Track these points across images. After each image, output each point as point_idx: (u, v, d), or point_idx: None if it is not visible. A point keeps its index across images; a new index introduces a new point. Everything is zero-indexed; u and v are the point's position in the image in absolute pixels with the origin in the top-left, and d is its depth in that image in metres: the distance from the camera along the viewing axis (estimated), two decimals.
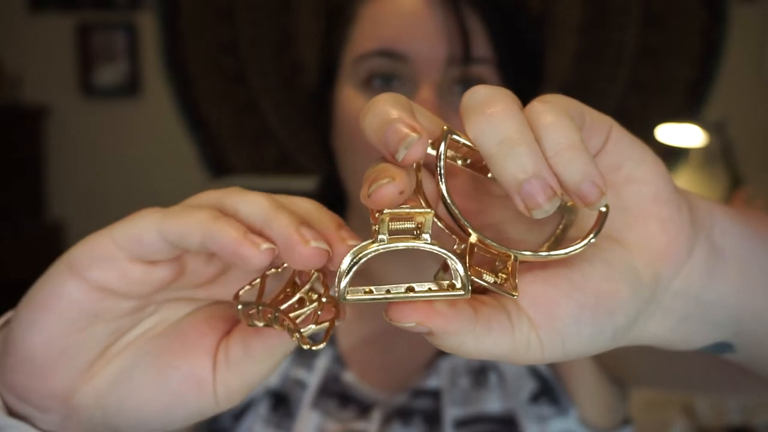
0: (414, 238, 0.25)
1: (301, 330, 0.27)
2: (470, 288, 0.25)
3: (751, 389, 0.47)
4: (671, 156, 2.54)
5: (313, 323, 0.28)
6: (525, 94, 0.64)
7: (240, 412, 0.62)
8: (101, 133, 2.66)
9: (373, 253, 0.25)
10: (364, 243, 0.25)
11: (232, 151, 2.63)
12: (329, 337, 0.28)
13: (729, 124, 2.41)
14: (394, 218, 0.25)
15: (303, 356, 0.63)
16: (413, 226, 0.25)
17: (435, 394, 0.60)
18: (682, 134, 2.35)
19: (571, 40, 2.52)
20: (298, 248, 0.25)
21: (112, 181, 2.67)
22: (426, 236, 0.25)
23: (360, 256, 0.25)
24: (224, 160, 2.63)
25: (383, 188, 0.24)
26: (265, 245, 0.26)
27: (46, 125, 2.66)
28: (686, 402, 1.70)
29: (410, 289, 0.25)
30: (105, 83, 2.62)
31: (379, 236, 0.25)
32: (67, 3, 2.60)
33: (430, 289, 0.25)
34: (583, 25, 2.51)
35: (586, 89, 2.54)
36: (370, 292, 0.25)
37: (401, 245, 0.25)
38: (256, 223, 0.27)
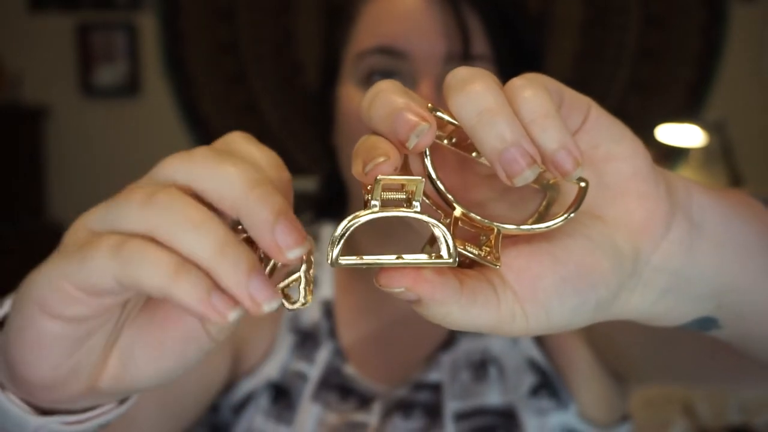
0: (405, 208, 0.26)
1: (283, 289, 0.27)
2: (456, 257, 0.26)
3: (752, 380, 0.47)
4: (671, 156, 2.54)
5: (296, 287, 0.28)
6: None
7: (240, 405, 0.62)
8: (101, 133, 2.66)
9: (365, 219, 0.26)
10: (357, 212, 0.26)
11: None
12: (311, 294, 0.28)
13: (729, 123, 2.41)
14: (387, 187, 0.26)
15: (303, 349, 0.63)
16: (404, 197, 0.26)
17: (436, 388, 0.60)
18: (682, 134, 2.35)
19: (571, 40, 2.52)
20: (279, 255, 0.25)
21: (112, 181, 2.67)
22: (416, 204, 0.26)
23: (353, 221, 0.26)
24: None
25: (379, 166, 0.25)
26: (233, 314, 0.25)
27: (46, 125, 2.66)
28: (686, 401, 1.70)
29: (399, 258, 0.26)
30: (105, 83, 2.62)
31: (372, 202, 0.26)
32: (67, 3, 2.60)
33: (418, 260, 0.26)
34: (583, 25, 2.51)
35: (586, 89, 2.54)
36: (361, 258, 0.26)
37: (392, 213, 0.26)
38: (228, 210, 0.26)
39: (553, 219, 0.27)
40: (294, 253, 0.25)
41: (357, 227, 0.26)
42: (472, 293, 0.27)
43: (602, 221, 0.29)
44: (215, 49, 2.59)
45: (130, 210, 0.27)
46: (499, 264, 0.27)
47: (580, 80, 2.53)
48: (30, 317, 0.27)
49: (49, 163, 2.68)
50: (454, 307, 0.26)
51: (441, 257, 0.26)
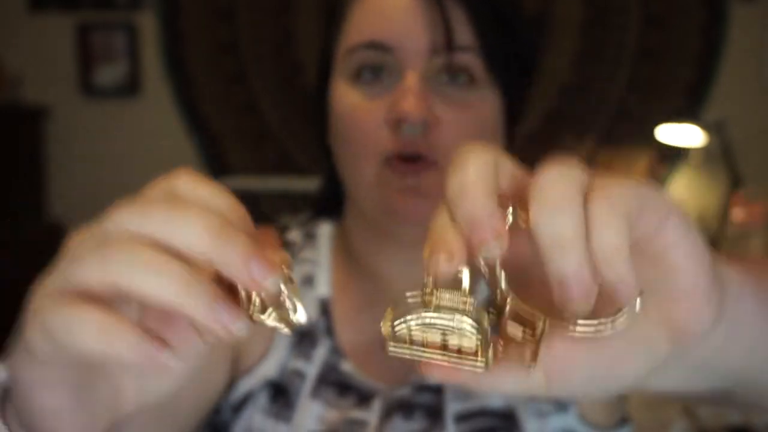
0: (457, 310, 0.28)
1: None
2: (491, 364, 0.28)
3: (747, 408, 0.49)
4: (671, 156, 2.54)
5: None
6: (516, 83, 0.63)
7: (239, 405, 0.62)
8: (101, 133, 2.66)
9: (415, 324, 0.29)
10: (411, 302, 0.29)
11: (231, 151, 2.63)
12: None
13: (729, 124, 2.41)
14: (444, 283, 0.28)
15: (301, 347, 0.63)
16: (459, 297, 0.29)
17: (437, 390, 0.61)
18: (682, 134, 2.35)
19: (571, 40, 2.52)
20: (258, 288, 0.28)
21: (111, 181, 2.68)
22: (468, 321, 0.28)
23: (402, 323, 0.29)
24: (224, 160, 2.63)
25: (440, 265, 0.28)
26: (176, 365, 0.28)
27: (46, 125, 2.66)
28: (686, 402, 1.70)
29: (444, 346, 0.28)
30: (105, 83, 2.62)
31: (425, 310, 0.29)
32: (67, 3, 2.60)
33: (460, 350, 0.28)
34: (583, 25, 2.51)
35: (586, 89, 2.54)
36: (410, 348, 0.29)
37: (444, 323, 0.28)
38: (198, 257, 0.28)
39: (602, 323, 0.28)
40: (272, 282, 0.28)
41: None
42: (504, 372, 0.29)
43: (647, 318, 0.29)
44: (215, 49, 2.59)
45: (91, 266, 0.28)
46: (533, 365, 0.28)
47: (580, 80, 2.54)
48: (34, 374, 0.31)
49: (48, 163, 2.68)
50: (484, 382, 0.29)
51: (476, 359, 0.28)
